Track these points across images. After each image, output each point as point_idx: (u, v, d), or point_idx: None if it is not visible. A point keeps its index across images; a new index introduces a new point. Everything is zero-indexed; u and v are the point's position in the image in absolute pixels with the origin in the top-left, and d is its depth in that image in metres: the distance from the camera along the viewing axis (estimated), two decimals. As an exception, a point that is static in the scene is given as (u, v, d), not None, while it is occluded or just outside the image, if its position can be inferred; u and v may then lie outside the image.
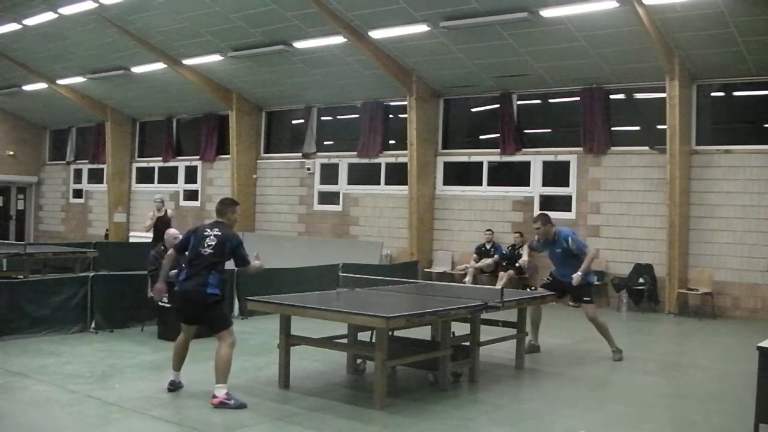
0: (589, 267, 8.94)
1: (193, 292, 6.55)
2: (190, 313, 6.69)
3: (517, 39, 13.46)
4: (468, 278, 14.66)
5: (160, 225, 14.28)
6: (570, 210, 14.79)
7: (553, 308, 11.92)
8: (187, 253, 6.72)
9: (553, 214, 14.85)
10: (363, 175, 17.92)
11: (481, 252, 15.25)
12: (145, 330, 9.84)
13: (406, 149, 16.24)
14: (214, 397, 6.32)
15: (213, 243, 6.59)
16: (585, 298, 8.97)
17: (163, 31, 16.39)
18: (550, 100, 15.66)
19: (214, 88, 18.74)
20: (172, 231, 10.23)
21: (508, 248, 15.12)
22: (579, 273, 8.75)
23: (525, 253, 9.90)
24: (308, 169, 18.71)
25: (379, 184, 17.57)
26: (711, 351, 10.22)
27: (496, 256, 15.03)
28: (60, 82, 20.76)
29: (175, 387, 6.83)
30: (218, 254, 6.59)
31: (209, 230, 6.71)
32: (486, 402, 6.89)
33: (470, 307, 7.24)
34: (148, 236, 19.94)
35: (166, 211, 14.61)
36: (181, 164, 21.75)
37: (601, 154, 14.50)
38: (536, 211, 15.15)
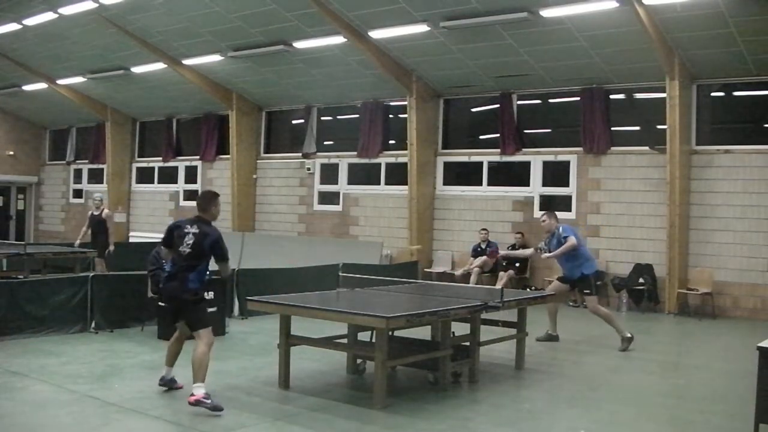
0: (560, 254, 9.56)
1: (173, 289, 6.55)
2: (173, 309, 6.72)
3: (517, 39, 13.46)
4: (473, 278, 14.65)
5: (95, 225, 14.23)
6: (570, 210, 14.78)
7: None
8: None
9: (553, 214, 15.01)
10: (363, 175, 17.92)
11: (478, 253, 15.23)
12: (145, 330, 9.84)
13: (406, 149, 16.24)
14: (192, 395, 6.17)
15: (191, 242, 6.49)
16: (585, 291, 9.56)
17: (163, 31, 16.40)
18: (550, 100, 15.65)
19: (214, 88, 18.74)
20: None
21: (508, 248, 15.10)
22: (548, 254, 9.70)
23: (535, 250, 10.60)
24: (308, 169, 18.71)
25: (379, 184, 17.57)
26: (711, 351, 10.21)
27: (489, 252, 15.03)
28: (60, 82, 20.76)
29: (165, 383, 6.77)
30: (197, 254, 6.50)
31: (189, 227, 6.58)
32: (486, 402, 6.89)
33: (470, 307, 7.24)
34: (147, 236, 20.04)
35: (102, 210, 14.32)
36: (181, 164, 21.75)
37: (601, 154, 14.50)
38: (536, 211, 15.17)
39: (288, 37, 15.35)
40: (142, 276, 10.04)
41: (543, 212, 10.44)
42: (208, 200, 6.79)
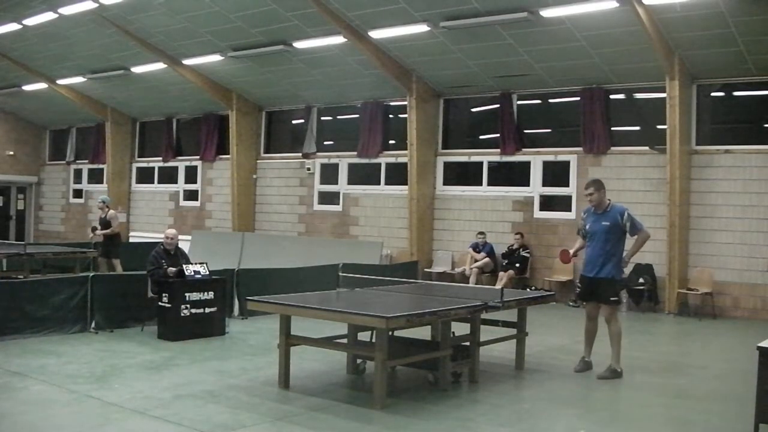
0: (638, 251, 8.07)
1: None
2: None
3: (517, 39, 13.46)
4: (472, 278, 14.66)
5: (101, 226, 14.30)
6: (570, 210, 14.76)
7: (554, 308, 11.95)
8: None
9: (553, 214, 15.04)
10: (363, 175, 17.91)
11: (478, 250, 15.21)
12: (145, 330, 9.84)
13: (406, 149, 16.24)
14: None
15: None
16: (612, 298, 7.98)
17: (163, 31, 16.39)
18: (550, 100, 15.65)
19: (214, 88, 18.73)
20: (170, 231, 10.18)
21: (508, 248, 15.09)
22: (628, 254, 8.01)
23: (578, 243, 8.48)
24: (308, 169, 18.71)
25: (379, 184, 17.57)
26: (711, 351, 10.22)
27: (484, 254, 15.03)
28: (60, 82, 20.75)
29: None
30: None
31: None
32: (486, 402, 6.89)
33: (470, 307, 7.24)
34: (147, 236, 20.05)
35: (107, 212, 14.32)
36: (181, 164, 21.74)
37: (601, 154, 14.49)
38: (536, 212, 15.19)
39: (288, 37, 15.34)
40: (142, 276, 10.06)
41: (588, 183, 8.15)
42: None
